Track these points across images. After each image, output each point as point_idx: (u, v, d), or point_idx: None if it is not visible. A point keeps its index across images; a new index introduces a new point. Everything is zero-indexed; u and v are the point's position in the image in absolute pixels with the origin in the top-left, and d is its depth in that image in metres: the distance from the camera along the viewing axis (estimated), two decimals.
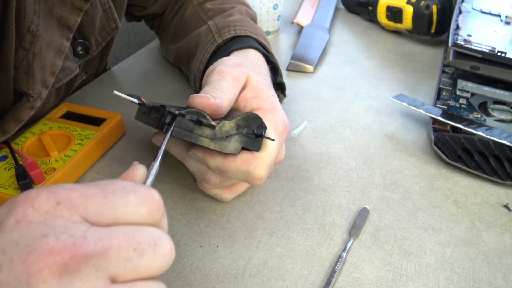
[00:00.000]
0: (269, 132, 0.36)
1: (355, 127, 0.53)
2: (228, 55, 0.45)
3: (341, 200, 0.42)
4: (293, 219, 0.40)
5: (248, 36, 0.48)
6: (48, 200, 0.20)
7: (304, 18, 0.78)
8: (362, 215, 0.40)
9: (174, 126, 0.31)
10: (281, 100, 0.50)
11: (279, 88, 0.50)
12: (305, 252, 0.37)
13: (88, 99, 0.57)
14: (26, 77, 0.40)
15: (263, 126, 0.35)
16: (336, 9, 0.86)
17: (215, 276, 0.35)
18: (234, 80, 0.37)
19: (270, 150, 0.35)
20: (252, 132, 0.34)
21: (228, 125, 0.33)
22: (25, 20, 0.38)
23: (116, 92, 0.34)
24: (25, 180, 0.38)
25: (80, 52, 0.49)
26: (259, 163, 0.34)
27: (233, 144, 0.34)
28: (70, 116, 0.49)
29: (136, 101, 0.34)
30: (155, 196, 0.23)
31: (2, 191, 0.38)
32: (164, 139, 0.30)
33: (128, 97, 0.34)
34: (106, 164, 0.46)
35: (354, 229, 0.39)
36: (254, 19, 0.55)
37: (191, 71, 0.53)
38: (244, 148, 0.35)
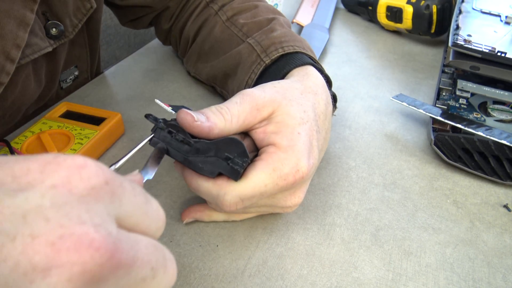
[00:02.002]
0: (262, 169, 0.32)
1: (355, 126, 0.53)
2: (283, 76, 0.41)
3: (341, 200, 0.42)
4: (292, 218, 0.40)
5: (296, 52, 0.44)
6: (98, 175, 0.17)
7: (304, 17, 0.78)
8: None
9: (152, 136, 0.32)
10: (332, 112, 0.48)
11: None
12: (304, 252, 0.37)
13: (88, 98, 0.57)
14: None
15: (244, 155, 0.32)
16: (336, 9, 0.86)
17: (214, 275, 0.35)
18: (252, 108, 0.34)
19: (250, 182, 0.32)
20: (228, 158, 0.32)
21: (206, 146, 0.32)
22: None
23: (157, 101, 0.33)
24: None
25: (55, 34, 0.48)
26: (230, 190, 0.31)
27: (209, 166, 0.32)
28: (69, 115, 0.49)
29: (173, 112, 0.33)
30: (162, 212, 0.22)
31: None
32: (136, 145, 0.32)
33: (168, 109, 0.33)
34: (106, 164, 0.46)
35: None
36: (290, 26, 0.51)
37: (230, 92, 0.50)
38: (221, 174, 0.32)
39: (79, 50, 0.56)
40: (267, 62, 0.44)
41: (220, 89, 0.55)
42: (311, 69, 0.41)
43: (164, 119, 0.33)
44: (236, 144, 0.32)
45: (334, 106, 0.47)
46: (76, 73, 0.58)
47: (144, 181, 0.28)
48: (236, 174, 0.32)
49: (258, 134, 0.34)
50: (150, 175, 0.30)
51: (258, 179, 0.32)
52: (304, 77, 0.39)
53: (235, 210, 0.32)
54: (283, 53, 0.44)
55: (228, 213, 0.37)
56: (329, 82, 0.44)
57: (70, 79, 0.57)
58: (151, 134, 0.32)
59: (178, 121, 0.33)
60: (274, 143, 0.33)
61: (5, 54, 0.40)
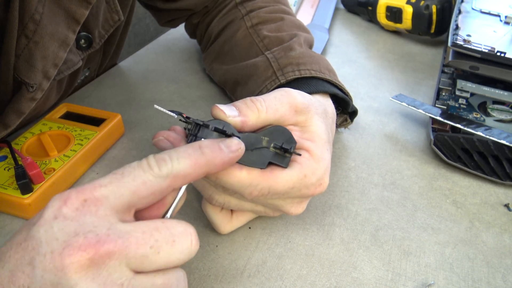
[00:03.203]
0: (297, 173, 0.32)
1: (354, 127, 0.53)
2: None
3: (340, 200, 0.42)
4: (292, 219, 0.40)
5: (313, 77, 0.44)
6: (77, 198, 0.24)
7: (303, 18, 0.78)
8: None
9: (198, 137, 0.30)
10: (346, 125, 0.49)
11: (349, 113, 0.48)
12: (304, 252, 0.37)
13: (88, 99, 0.57)
14: (26, 66, 0.40)
15: (292, 141, 0.33)
16: (336, 9, 0.86)
17: (214, 276, 0.35)
18: (291, 108, 0.34)
19: (281, 179, 0.32)
20: (280, 146, 0.32)
21: (255, 138, 0.32)
22: (29, 8, 0.38)
23: (156, 106, 0.32)
24: (24, 180, 0.38)
25: (84, 45, 0.49)
26: (263, 182, 0.31)
27: (260, 157, 0.32)
28: (69, 116, 0.49)
29: (175, 115, 0.32)
30: None
31: (2, 191, 0.39)
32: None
33: (169, 112, 0.32)
34: (106, 164, 0.46)
35: None
36: (312, 43, 0.52)
37: (239, 99, 0.51)
38: (270, 163, 0.32)
39: (94, 53, 0.56)
40: (282, 81, 0.45)
41: (229, 94, 0.56)
42: (328, 98, 0.42)
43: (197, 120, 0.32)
44: (282, 132, 0.33)
45: (352, 120, 0.49)
46: (87, 74, 0.59)
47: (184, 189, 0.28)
48: (286, 162, 0.32)
49: (293, 135, 0.34)
50: None
51: (290, 179, 0.32)
52: (322, 102, 0.40)
53: (255, 197, 0.32)
54: (299, 76, 0.44)
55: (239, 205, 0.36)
56: (348, 96, 0.46)
57: (81, 79, 0.57)
58: (195, 136, 0.30)
59: (214, 117, 0.32)
60: (309, 150, 0.33)
61: (44, 73, 0.41)
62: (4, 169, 0.41)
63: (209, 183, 0.34)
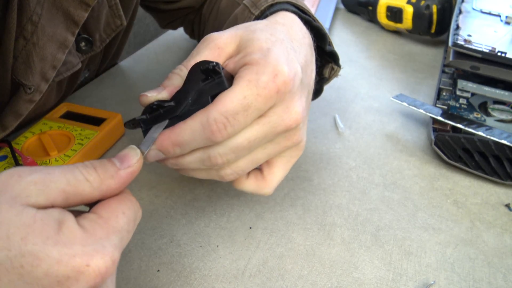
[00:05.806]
0: (237, 84, 0.30)
1: (355, 127, 0.53)
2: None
3: (341, 200, 0.42)
4: (293, 219, 0.40)
5: (287, 2, 0.41)
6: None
7: None
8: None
9: (144, 128, 0.32)
10: (335, 73, 0.45)
11: (332, 59, 0.44)
12: (305, 252, 0.37)
13: (88, 99, 0.57)
14: (24, 67, 0.40)
15: (208, 62, 0.30)
16: (336, 9, 0.86)
17: (215, 276, 0.35)
18: (212, 49, 0.33)
19: (227, 98, 0.29)
20: (204, 77, 0.30)
21: (184, 90, 0.31)
22: (27, 9, 0.38)
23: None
24: None
25: (84, 48, 0.48)
26: (210, 111, 0.29)
27: (201, 101, 0.31)
28: (70, 116, 0.49)
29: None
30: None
31: None
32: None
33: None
34: None
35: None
36: None
37: None
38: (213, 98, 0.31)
39: (94, 56, 0.56)
40: (256, 13, 0.42)
41: None
42: (282, 13, 0.39)
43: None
44: (197, 66, 0.31)
45: (338, 65, 0.45)
46: (87, 75, 0.59)
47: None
48: (222, 82, 0.30)
49: (229, 66, 0.32)
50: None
51: (234, 92, 0.29)
52: (273, 16, 0.38)
53: (227, 135, 0.30)
54: (272, 3, 0.42)
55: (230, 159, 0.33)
56: (321, 35, 0.42)
57: (81, 80, 0.57)
58: (145, 129, 0.33)
59: (144, 105, 0.33)
60: (245, 62, 0.31)
61: (42, 75, 0.41)
62: (4, 169, 0.41)
63: (205, 168, 0.33)
